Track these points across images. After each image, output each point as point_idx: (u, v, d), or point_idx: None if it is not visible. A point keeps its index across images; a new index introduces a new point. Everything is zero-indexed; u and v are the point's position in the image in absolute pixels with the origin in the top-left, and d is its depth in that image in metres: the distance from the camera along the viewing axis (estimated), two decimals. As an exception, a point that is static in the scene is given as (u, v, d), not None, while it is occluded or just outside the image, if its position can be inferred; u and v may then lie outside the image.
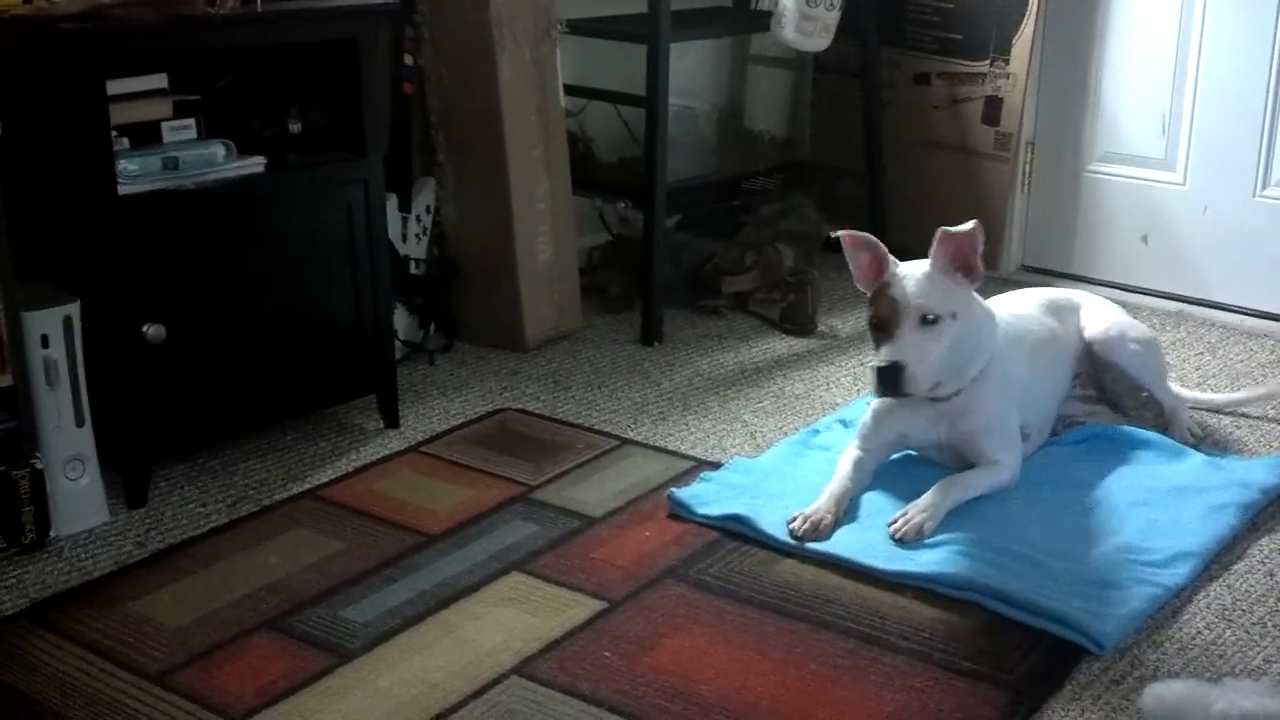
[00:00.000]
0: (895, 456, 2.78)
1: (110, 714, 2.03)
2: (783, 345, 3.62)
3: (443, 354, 3.48)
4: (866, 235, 2.60)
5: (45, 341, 2.50)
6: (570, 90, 3.68)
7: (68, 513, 2.56)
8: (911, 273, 2.54)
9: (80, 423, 2.57)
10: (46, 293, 2.56)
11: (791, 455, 2.86)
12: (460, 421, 3.09)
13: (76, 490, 2.57)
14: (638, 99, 3.61)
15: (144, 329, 2.59)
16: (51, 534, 2.53)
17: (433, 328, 3.50)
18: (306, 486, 2.77)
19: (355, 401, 3.07)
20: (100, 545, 2.54)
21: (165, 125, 2.67)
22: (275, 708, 2.05)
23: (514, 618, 2.30)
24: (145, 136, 2.64)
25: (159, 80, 2.69)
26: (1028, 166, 4.18)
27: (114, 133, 2.53)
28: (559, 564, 2.47)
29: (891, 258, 2.58)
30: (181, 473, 2.81)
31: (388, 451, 2.93)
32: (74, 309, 2.54)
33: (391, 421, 3.05)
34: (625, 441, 2.99)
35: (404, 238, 3.39)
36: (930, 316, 2.49)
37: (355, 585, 2.39)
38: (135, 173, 2.57)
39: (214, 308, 2.72)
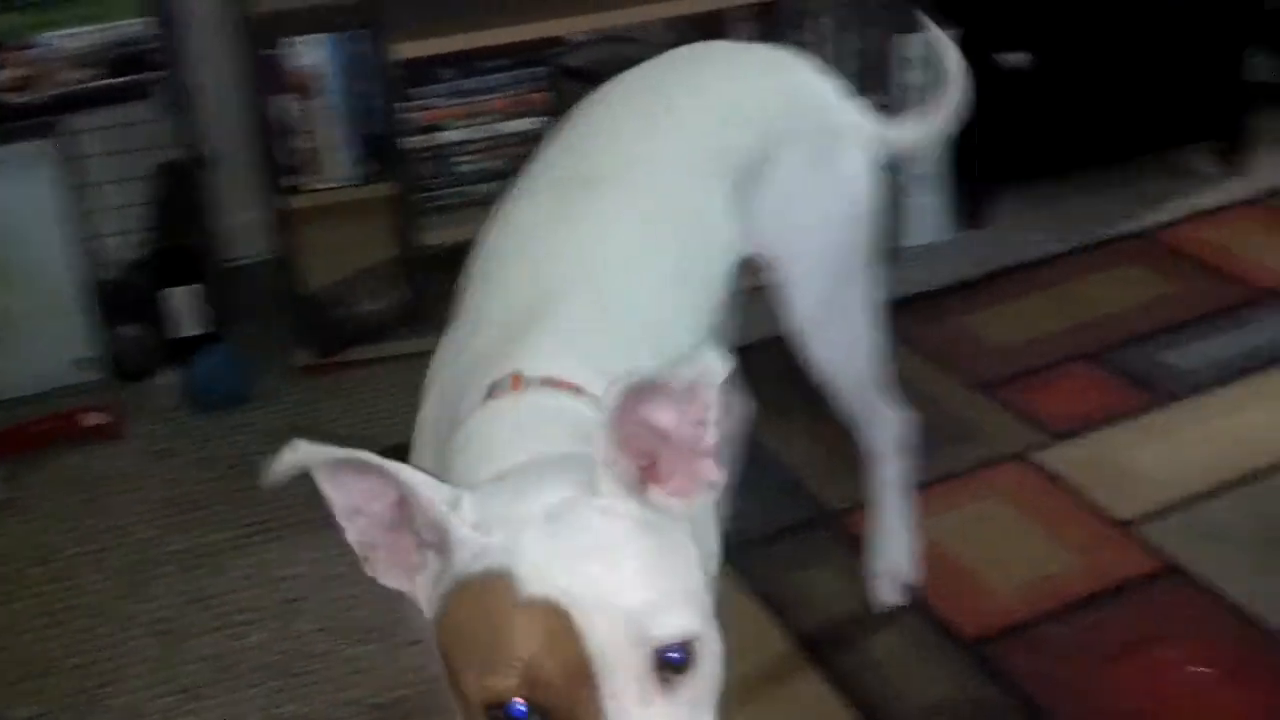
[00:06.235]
0: None
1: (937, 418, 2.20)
2: None
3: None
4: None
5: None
6: None
7: (914, 227, 2.74)
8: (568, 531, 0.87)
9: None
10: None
11: None
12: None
13: (923, 207, 2.74)
14: None
15: (999, 56, 2.65)
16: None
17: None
18: (1138, 226, 2.75)
19: (1192, 146, 2.95)
20: (939, 260, 2.70)
21: None
22: (1090, 435, 2.15)
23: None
24: None
25: None
26: None
27: None
28: None
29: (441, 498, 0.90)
30: (1019, 198, 2.86)
31: (1227, 200, 2.82)
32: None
33: (1234, 169, 2.91)
34: None
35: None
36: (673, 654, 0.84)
37: (1178, 331, 2.39)
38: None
39: (1071, 37, 2.73)
